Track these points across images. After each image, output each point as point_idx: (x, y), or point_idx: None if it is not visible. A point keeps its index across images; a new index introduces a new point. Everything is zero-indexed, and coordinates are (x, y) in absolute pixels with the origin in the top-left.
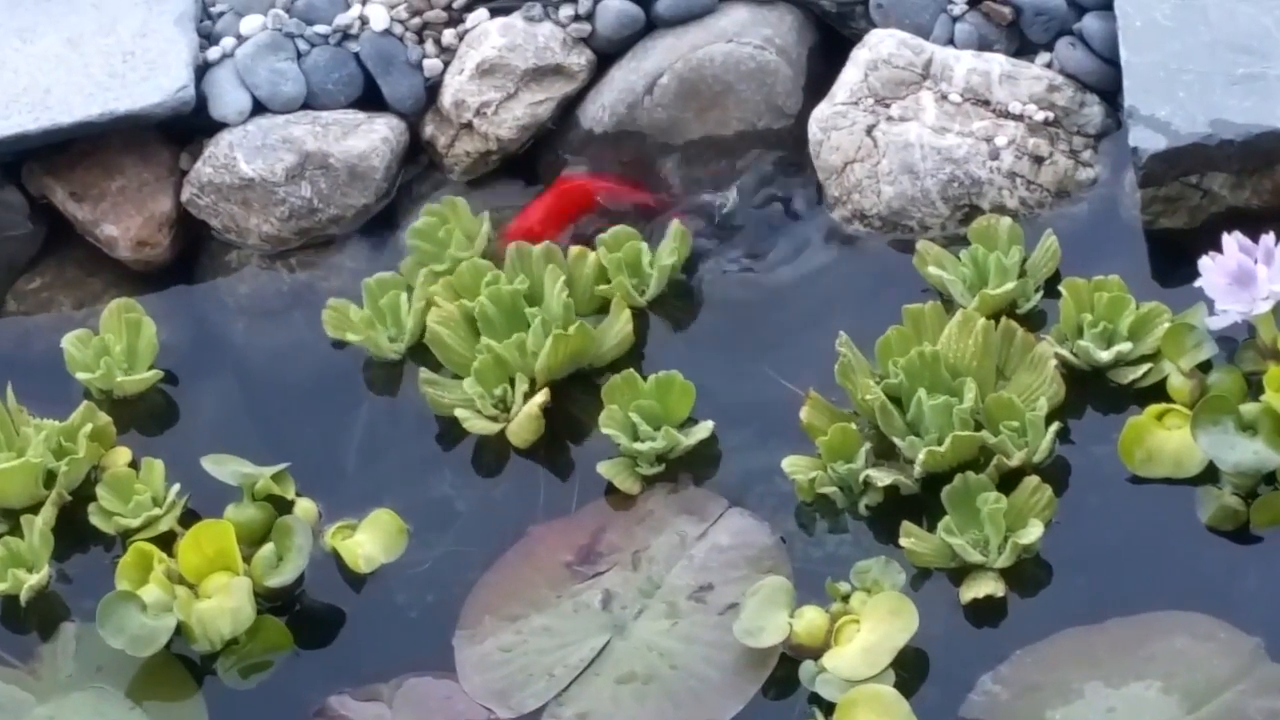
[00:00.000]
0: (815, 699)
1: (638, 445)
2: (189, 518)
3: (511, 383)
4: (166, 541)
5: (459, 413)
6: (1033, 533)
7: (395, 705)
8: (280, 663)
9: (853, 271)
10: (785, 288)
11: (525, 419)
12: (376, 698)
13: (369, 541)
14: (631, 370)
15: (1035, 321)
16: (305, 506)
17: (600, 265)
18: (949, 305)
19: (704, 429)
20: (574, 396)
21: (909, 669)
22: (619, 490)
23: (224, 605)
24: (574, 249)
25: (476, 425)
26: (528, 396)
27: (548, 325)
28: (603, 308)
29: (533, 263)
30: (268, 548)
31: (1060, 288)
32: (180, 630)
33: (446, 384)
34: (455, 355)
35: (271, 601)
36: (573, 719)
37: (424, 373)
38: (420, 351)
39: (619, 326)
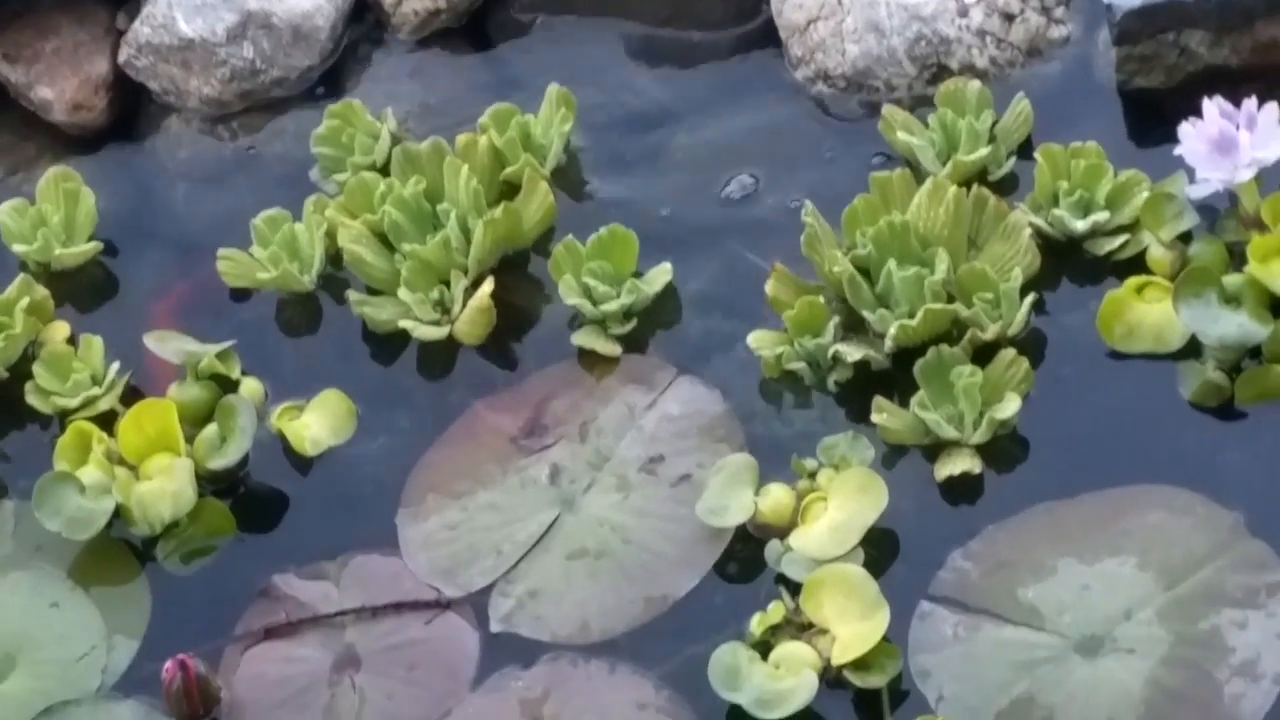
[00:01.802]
0: (781, 579)
1: (604, 307)
2: (131, 396)
3: (446, 283)
4: (107, 421)
5: (404, 324)
6: (1009, 407)
7: (342, 583)
8: (223, 546)
9: (816, 136)
10: (741, 152)
11: (474, 313)
12: (323, 576)
13: (316, 423)
14: (571, 237)
15: (1007, 188)
16: (251, 386)
17: (492, 149)
18: (917, 173)
19: (662, 272)
20: (506, 283)
21: (878, 547)
22: (568, 361)
23: (165, 488)
24: (461, 138)
25: (424, 332)
26: (468, 292)
27: (461, 218)
28: (504, 194)
29: (423, 162)
30: (211, 428)
31: (1035, 155)
32: (119, 513)
33: (379, 300)
34: (376, 270)
35: (214, 484)
36: (523, 596)
37: (353, 294)
38: (329, 280)
39: (538, 200)
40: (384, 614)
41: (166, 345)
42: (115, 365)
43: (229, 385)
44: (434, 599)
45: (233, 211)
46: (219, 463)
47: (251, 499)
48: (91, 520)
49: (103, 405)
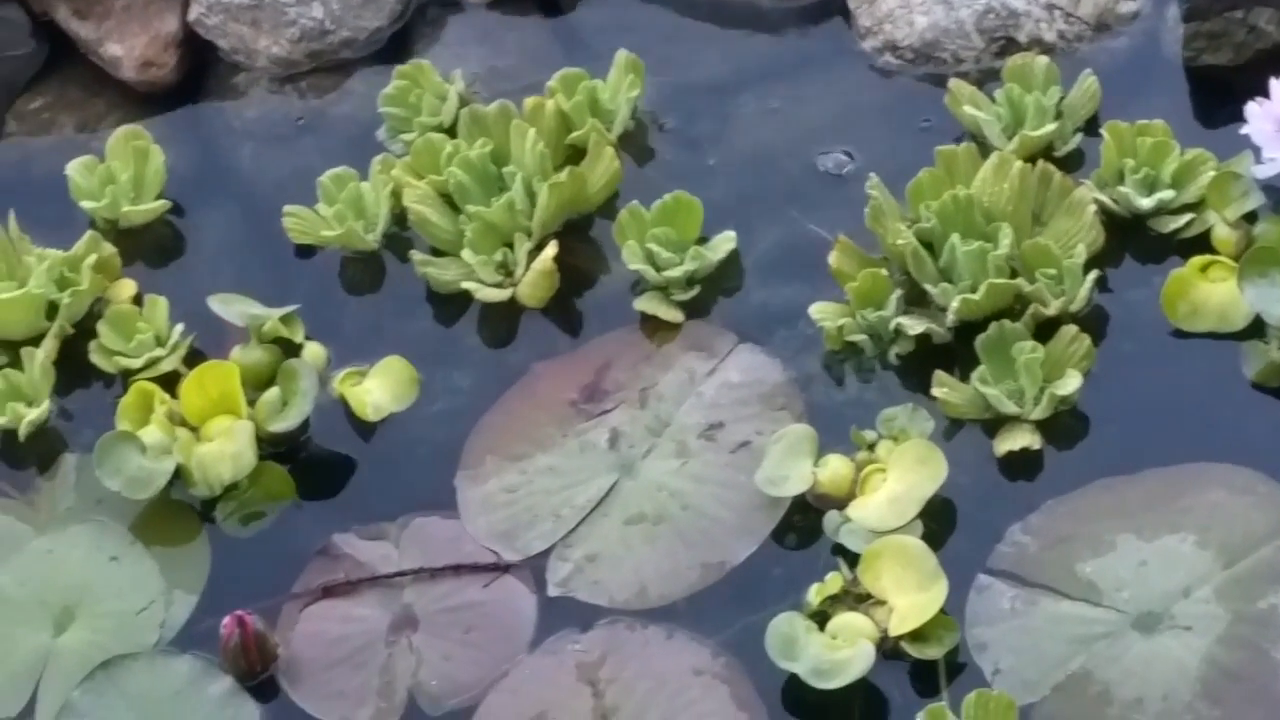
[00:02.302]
0: (839, 549)
1: (667, 273)
2: (194, 357)
3: (510, 245)
4: (170, 381)
5: (466, 285)
6: (1070, 383)
7: (401, 544)
8: (282, 508)
9: (882, 107)
10: (808, 123)
11: (537, 276)
12: (382, 536)
13: (378, 389)
14: (635, 202)
15: (1073, 164)
16: (314, 350)
17: (559, 114)
18: (983, 147)
19: (726, 240)
20: (570, 247)
21: (936, 520)
22: (630, 326)
23: (225, 449)
24: (528, 101)
25: (487, 294)
26: (531, 255)
27: (527, 181)
28: (570, 158)
29: (490, 124)
30: (272, 391)
31: (1102, 131)
32: (179, 474)
33: (443, 261)
34: (441, 231)
35: (275, 447)
36: (581, 560)
37: (417, 254)
38: (393, 239)
39: (604, 165)
40: (442, 576)
41: (231, 308)
42: (179, 326)
43: (292, 349)
44: (493, 562)
45: (299, 171)
46: (279, 426)
47: (312, 463)
48: (151, 480)
49: (166, 366)
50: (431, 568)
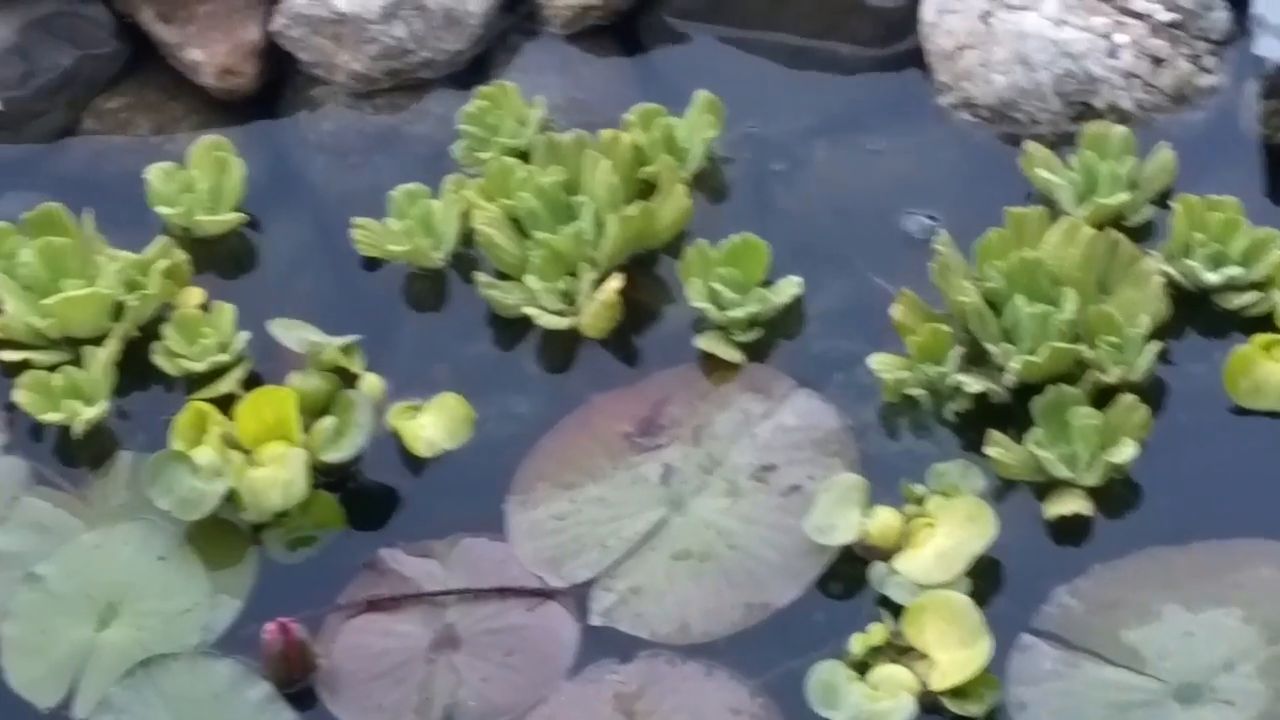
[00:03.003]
0: (884, 601)
1: (730, 313)
2: (252, 381)
3: (574, 274)
4: (226, 403)
5: (528, 310)
6: (1125, 451)
7: (448, 563)
8: (329, 538)
9: (955, 164)
10: (880, 175)
11: (600, 307)
12: (429, 554)
13: (433, 425)
14: (703, 241)
15: (1142, 235)
16: (372, 382)
17: (634, 148)
18: (1054, 211)
19: (791, 284)
20: (634, 280)
21: (982, 578)
22: (689, 364)
23: (278, 476)
24: (604, 133)
25: (548, 321)
26: (595, 285)
27: (597, 212)
28: (641, 192)
29: (565, 152)
30: (328, 420)
31: (1172, 203)
32: (230, 497)
33: (507, 285)
34: (507, 255)
35: (326, 476)
36: (625, 592)
37: (482, 276)
38: (459, 259)
39: (675, 202)
40: (487, 597)
41: (291, 333)
42: (244, 334)
43: (350, 379)
44: (538, 587)
45: (371, 188)
46: (333, 455)
47: (363, 493)
48: (202, 502)
49: (225, 386)
50: (477, 589)
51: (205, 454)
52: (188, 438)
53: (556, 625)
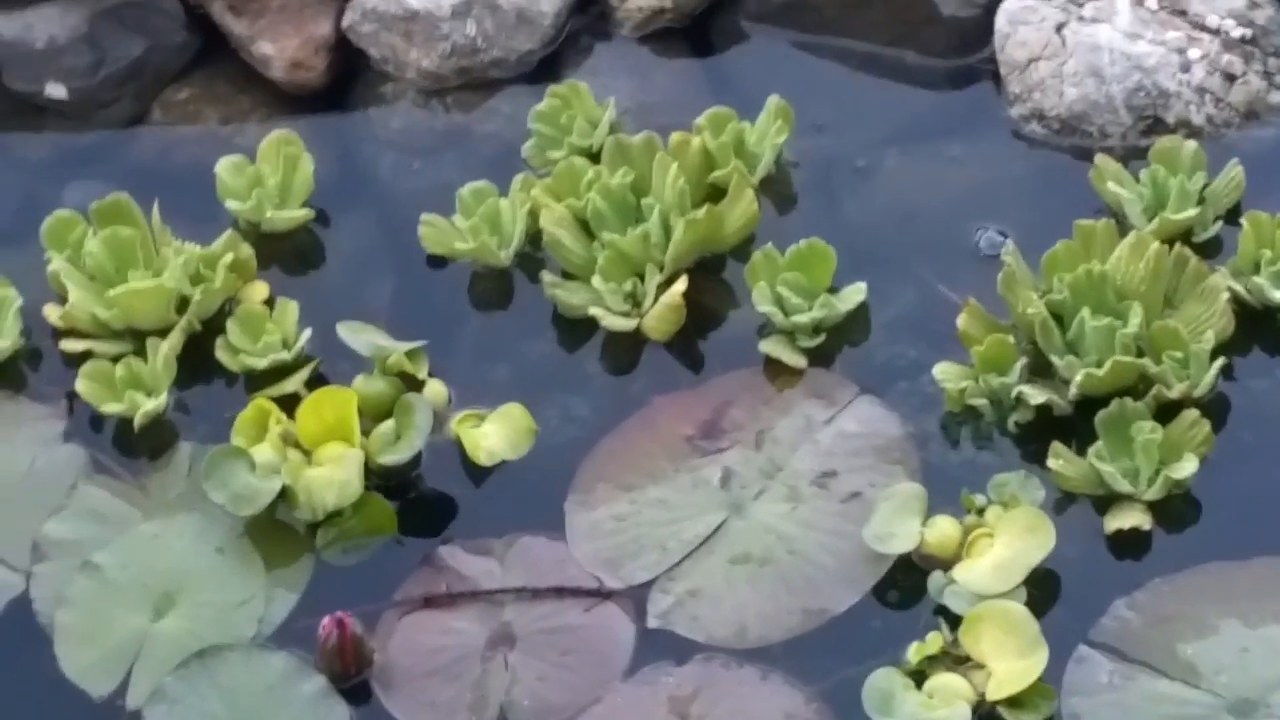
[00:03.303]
0: (941, 610)
1: (795, 318)
2: (318, 381)
3: (640, 276)
4: (289, 403)
5: (593, 311)
6: (1187, 467)
7: (506, 562)
8: (382, 540)
9: (1025, 175)
10: (949, 184)
11: (665, 309)
12: (488, 552)
13: (495, 434)
14: (770, 245)
15: (1210, 251)
16: (435, 389)
17: (704, 151)
18: (1122, 225)
19: (856, 291)
20: (700, 284)
21: (1040, 589)
22: (752, 367)
23: (334, 476)
24: (674, 136)
25: (612, 322)
26: (661, 288)
27: (664, 215)
28: (710, 196)
29: (634, 154)
30: (387, 424)
31: (1242, 220)
32: (285, 494)
33: (573, 285)
34: (574, 255)
35: (384, 480)
36: (683, 594)
37: (547, 276)
38: (525, 259)
39: (743, 206)
40: (544, 596)
41: (358, 337)
42: (307, 332)
43: (415, 384)
44: (595, 588)
45: (439, 186)
46: (390, 458)
47: (419, 499)
48: (256, 498)
49: (294, 380)
50: (534, 588)
51: (263, 451)
52: (249, 434)
53: (613, 626)
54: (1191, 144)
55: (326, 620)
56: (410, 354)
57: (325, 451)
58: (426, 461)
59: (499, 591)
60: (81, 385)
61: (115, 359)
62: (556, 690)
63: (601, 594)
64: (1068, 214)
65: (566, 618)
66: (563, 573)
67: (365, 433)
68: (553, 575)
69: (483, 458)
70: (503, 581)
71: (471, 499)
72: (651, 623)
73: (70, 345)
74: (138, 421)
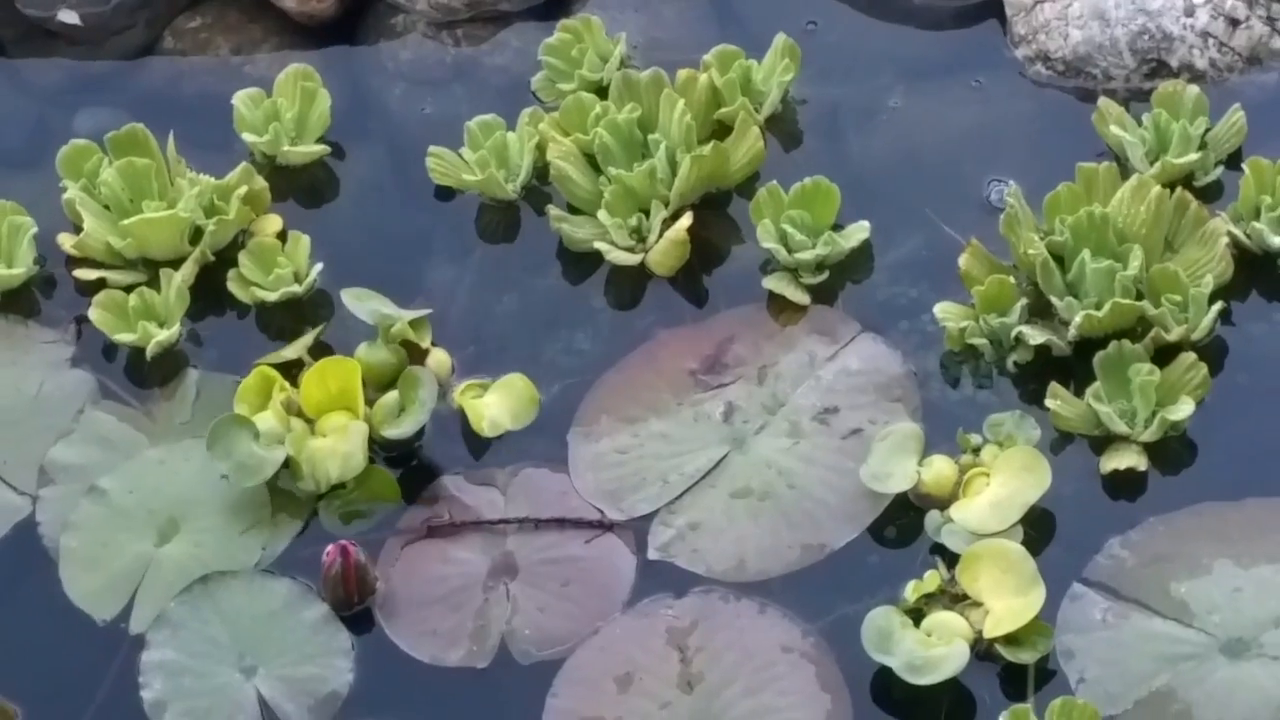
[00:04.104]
0: (938, 549)
1: (799, 255)
2: (320, 349)
3: (645, 211)
4: (292, 370)
5: (599, 245)
6: (1183, 409)
7: (509, 493)
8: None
9: (1027, 117)
10: (953, 125)
11: (669, 244)
12: (491, 483)
13: (498, 405)
14: (775, 182)
15: (1211, 195)
16: (439, 358)
17: (711, 88)
18: (1124, 168)
19: (860, 229)
20: (704, 220)
21: (1036, 527)
22: (756, 303)
23: (337, 448)
24: (682, 73)
25: (617, 257)
26: (666, 223)
27: (670, 151)
28: (716, 133)
29: (641, 90)
30: (391, 395)
31: (1243, 165)
32: (287, 465)
33: (578, 219)
34: (580, 189)
35: (387, 451)
36: (684, 527)
37: (554, 209)
38: (532, 192)
39: (748, 144)
40: (547, 527)
41: (363, 304)
42: (319, 265)
43: (418, 352)
44: (597, 519)
45: (447, 117)
46: (393, 432)
47: (421, 470)
48: (260, 468)
49: (294, 348)
50: (537, 518)
51: (267, 419)
52: (252, 402)
53: (614, 558)
54: (1194, 89)
55: (330, 548)
56: (414, 323)
57: (328, 421)
58: (429, 430)
59: (501, 522)
60: (94, 314)
61: (128, 288)
62: (557, 621)
63: (603, 526)
64: (1070, 156)
65: (568, 549)
66: (564, 504)
67: (369, 402)
68: (555, 506)
69: (485, 429)
70: (505, 512)
71: (474, 465)
72: (652, 555)
73: (84, 273)
74: (149, 351)
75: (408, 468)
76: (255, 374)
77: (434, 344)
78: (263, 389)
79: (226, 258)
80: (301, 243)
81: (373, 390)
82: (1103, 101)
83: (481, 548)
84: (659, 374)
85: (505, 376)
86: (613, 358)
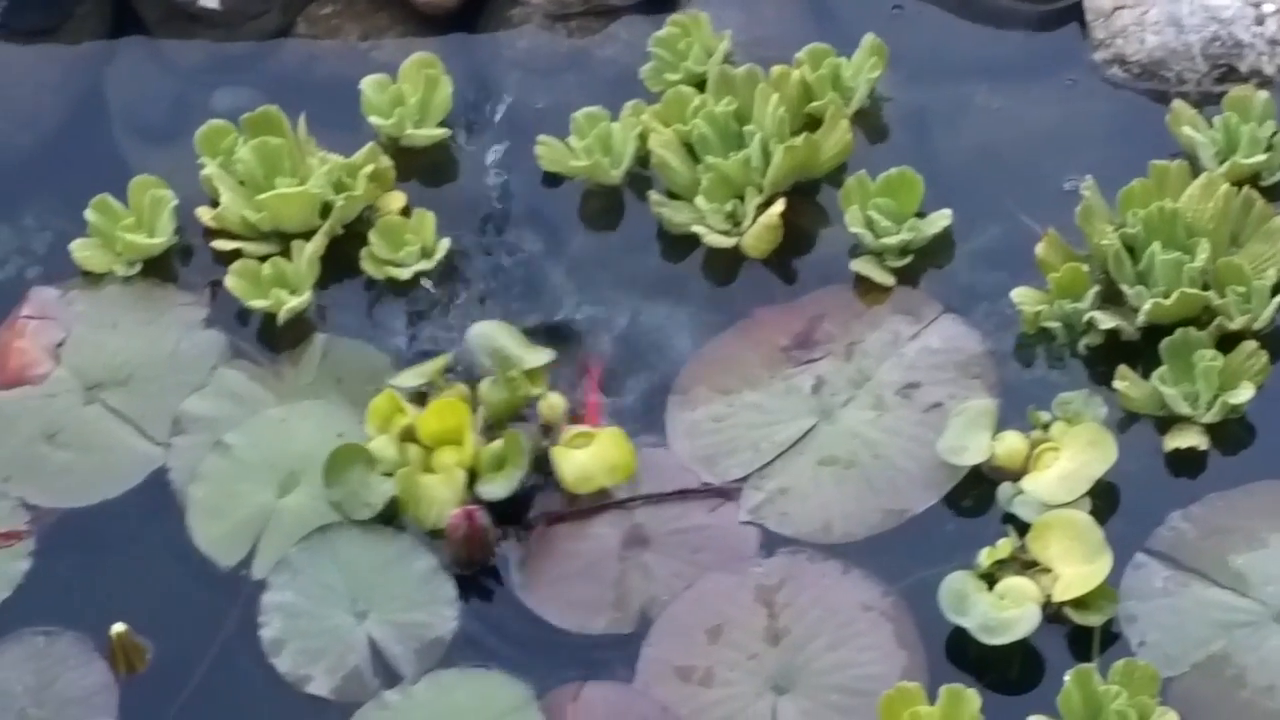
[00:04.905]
0: (1010, 518)
1: (884, 240)
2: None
3: (740, 198)
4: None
5: (696, 229)
6: (1243, 394)
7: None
8: None
9: (1104, 116)
10: (1033, 122)
11: (762, 229)
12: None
13: (592, 461)
14: (863, 172)
15: (1276, 194)
16: (552, 403)
17: (803, 83)
18: (1195, 167)
19: (942, 217)
20: (795, 206)
21: (1102, 500)
22: (844, 284)
23: (437, 494)
24: (775, 68)
25: (713, 240)
26: (759, 209)
27: (764, 141)
28: (806, 125)
29: (738, 85)
30: (496, 446)
31: None
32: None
33: (677, 204)
34: (679, 176)
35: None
36: (774, 491)
37: (654, 195)
38: (634, 178)
39: (837, 136)
40: (671, 500)
41: (487, 342)
42: (446, 240)
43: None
44: (718, 488)
45: (559, 105)
46: (487, 490)
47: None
48: (369, 503)
49: (430, 369)
50: (661, 493)
51: (384, 445)
52: (378, 423)
53: (734, 523)
54: (1263, 94)
55: (458, 512)
56: (531, 373)
57: (440, 458)
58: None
59: (627, 501)
60: (230, 281)
61: (262, 259)
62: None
63: (722, 493)
64: (1144, 154)
65: (693, 518)
66: (684, 479)
67: (487, 437)
68: (676, 480)
69: (570, 482)
70: (630, 490)
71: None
72: (743, 517)
73: (221, 244)
74: (281, 316)
75: (503, 511)
76: (384, 396)
77: (550, 389)
78: (388, 412)
79: (354, 231)
80: (427, 219)
81: (494, 424)
82: (1176, 104)
83: (610, 523)
84: (753, 348)
85: (608, 430)
86: (706, 335)
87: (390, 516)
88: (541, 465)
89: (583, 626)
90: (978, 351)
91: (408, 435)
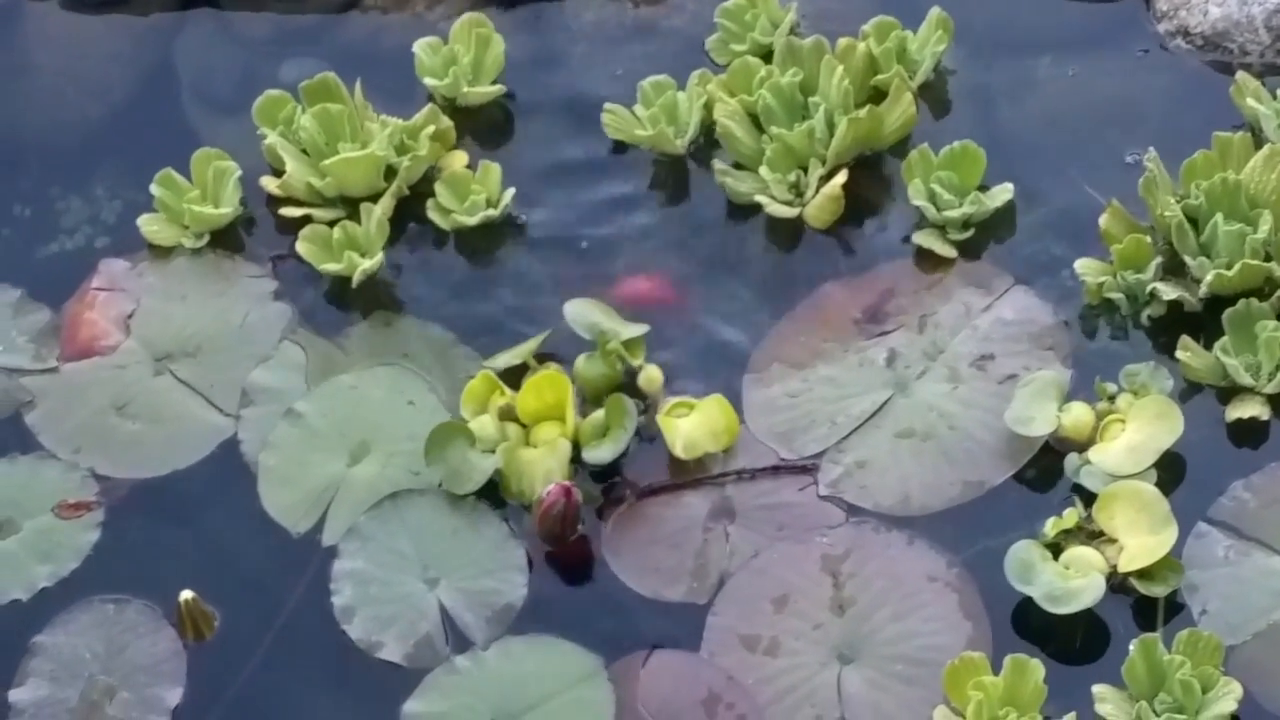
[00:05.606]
0: (1076, 489)
1: (947, 213)
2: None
3: (804, 168)
4: (513, 374)
5: (759, 198)
6: None
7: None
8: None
9: (1168, 87)
10: (1098, 93)
11: (825, 199)
12: None
13: (697, 427)
14: (926, 145)
15: None
16: (651, 375)
17: (868, 56)
18: (1257, 138)
19: (1004, 190)
20: (858, 178)
21: (1166, 469)
22: (910, 257)
23: (541, 463)
24: (841, 41)
25: (776, 209)
26: (822, 180)
27: (829, 113)
28: (871, 98)
29: (804, 56)
30: (598, 415)
31: None
32: (498, 474)
33: (741, 174)
34: (743, 146)
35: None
36: (851, 465)
37: (718, 164)
38: (698, 148)
39: (901, 108)
40: (762, 476)
41: (582, 318)
42: (510, 190)
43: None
44: (807, 466)
45: (624, 75)
46: (593, 456)
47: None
48: (471, 477)
49: (522, 351)
50: (753, 469)
51: (484, 425)
52: (473, 405)
53: (824, 504)
54: None
55: (554, 487)
56: (629, 342)
57: (540, 432)
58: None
59: (719, 476)
60: (301, 247)
61: (331, 224)
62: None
63: (811, 471)
64: (1207, 126)
65: (782, 495)
66: (776, 456)
67: (583, 413)
68: (769, 458)
69: (680, 450)
70: (723, 467)
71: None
72: (822, 491)
73: (289, 211)
74: (355, 279)
75: (608, 480)
76: (480, 378)
77: (647, 361)
78: (484, 393)
79: (419, 192)
80: (492, 171)
81: (589, 399)
82: (1240, 75)
83: (702, 494)
84: (825, 323)
85: (711, 397)
86: (769, 305)
87: (487, 493)
88: (638, 436)
89: (658, 593)
90: (1050, 323)
91: (506, 414)
